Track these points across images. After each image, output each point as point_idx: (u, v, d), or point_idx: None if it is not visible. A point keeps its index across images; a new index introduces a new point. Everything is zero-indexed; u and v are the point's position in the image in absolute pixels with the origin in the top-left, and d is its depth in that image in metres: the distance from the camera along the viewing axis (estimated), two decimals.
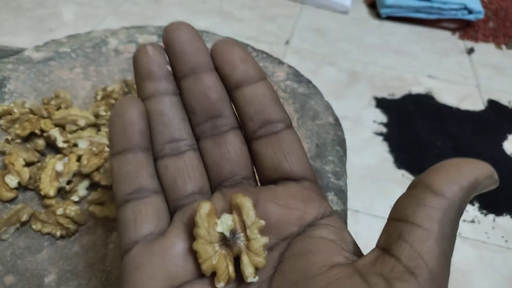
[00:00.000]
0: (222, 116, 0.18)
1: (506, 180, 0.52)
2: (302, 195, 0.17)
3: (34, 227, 0.26)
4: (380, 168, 0.52)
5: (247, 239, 0.15)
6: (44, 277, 0.24)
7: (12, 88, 0.32)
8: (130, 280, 0.15)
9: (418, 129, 0.56)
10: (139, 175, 0.16)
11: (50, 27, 0.66)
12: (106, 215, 0.26)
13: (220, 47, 0.18)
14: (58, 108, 0.31)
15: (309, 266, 0.14)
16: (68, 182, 0.28)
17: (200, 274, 0.15)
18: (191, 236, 0.16)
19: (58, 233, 0.25)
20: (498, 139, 0.57)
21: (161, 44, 0.18)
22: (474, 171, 0.13)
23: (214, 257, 0.15)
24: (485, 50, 0.77)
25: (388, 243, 0.13)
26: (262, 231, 0.15)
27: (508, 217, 0.48)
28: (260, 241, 0.15)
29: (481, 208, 0.48)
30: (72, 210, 0.26)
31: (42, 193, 0.26)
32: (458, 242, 0.51)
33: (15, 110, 0.30)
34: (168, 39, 0.17)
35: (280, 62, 0.36)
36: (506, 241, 0.45)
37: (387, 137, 0.54)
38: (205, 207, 0.15)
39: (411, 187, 0.14)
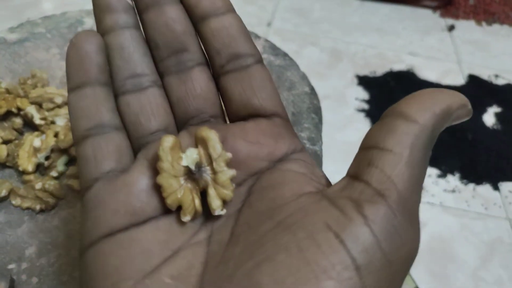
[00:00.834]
0: (187, 51, 0.17)
1: (485, 150, 0.53)
2: (272, 131, 0.16)
3: (13, 202, 0.26)
4: None
5: (214, 172, 0.15)
6: (25, 250, 0.24)
7: None
8: (92, 217, 0.14)
9: None
10: (98, 110, 0.16)
11: (28, 16, 0.66)
12: None
13: None
14: (35, 87, 0.31)
15: (278, 196, 0.14)
16: (47, 158, 0.28)
17: (166, 210, 0.15)
18: (156, 172, 0.15)
19: (38, 207, 0.25)
20: (478, 112, 0.58)
21: None
22: (447, 99, 0.13)
23: (179, 191, 0.15)
24: (466, 27, 0.78)
25: (357, 170, 0.13)
26: (229, 164, 0.15)
27: (487, 185, 0.49)
28: (227, 173, 0.15)
29: (461, 178, 0.49)
30: (51, 184, 0.26)
31: (21, 168, 0.26)
32: (439, 211, 0.52)
33: None
34: None
35: (257, 37, 0.37)
36: (485, 208, 0.46)
37: (369, 113, 0.54)
38: (168, 140, 0.15)
39: (383, 116, 0.14)
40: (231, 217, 0.15)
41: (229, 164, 0.15)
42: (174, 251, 0.14)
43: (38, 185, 0.26)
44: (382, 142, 0.13)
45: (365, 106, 0.55)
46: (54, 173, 0.27)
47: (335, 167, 0.47)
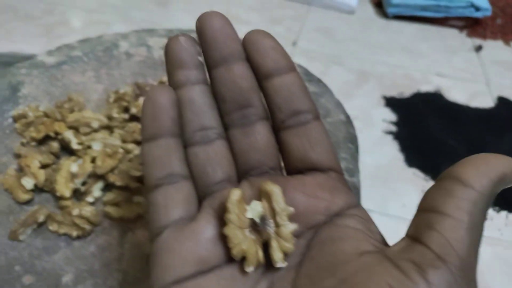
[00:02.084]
0: (252, 106, 0.18)
1: None
2: (329, 186, 0.17)
3: (50, 228, 0.26)
4: (391, 167, 0.51)
5: (276, 225, 0.15)
6: (61, 277, 0.24)
7: (26, 92, 0.33)
8: (161, 263, 0.15)
9: (429, 127, 0.56)
10: (171, 161, 0.16)
11: (59, 34, 0.67)
12: (121, 215, 0.27)
13: (252, 37, 0.18)
14: (72, 111, 0.32)
15: (338, 252, 0.14)
16: (83, 184, 0.28)
17: (229, 259, 0.15)
18: (221, 221, 0.16)
19: (75, 234, 0.26)
20: (510, 135, 0.57)
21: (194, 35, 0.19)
22: (503, 165, 0.14)
23: (244, 242, 0.15)
24: (494, 47, 0.77)
25: (417, 232, 0.14)
26: (291, 218, 0.16)
27: None
28: (289, 227, 0.15)
29: (493, 205, 0.48)
30: (88, 210, 0.26)
31: (58, 194, 0.27)
32: None
33: (30, 114, 0.31)
34: (201, 26, 0.18)
35: None
36: None
37: (397, 136, 0.53)
38: (236, 194, 0.16)
39: (439, 179, 0.14)
40: (291, 270, 0.15)
41: (291, 218, 0.16)
42: None
43: (75, 211, 0.26)
44: (442, 206, 0.13)
45: (393, 128, 0.54)
46: (90, 199, 0.27)
47: (363, 192, 0.46)
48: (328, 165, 0.17)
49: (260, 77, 0.18)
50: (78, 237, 0.26)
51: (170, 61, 0.18)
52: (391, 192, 0.49)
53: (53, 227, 0.26)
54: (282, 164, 0.19)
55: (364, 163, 0.50)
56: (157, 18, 0.73)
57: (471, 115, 0.60)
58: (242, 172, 0.18)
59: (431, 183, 0.47)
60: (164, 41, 0.39)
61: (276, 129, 0.18)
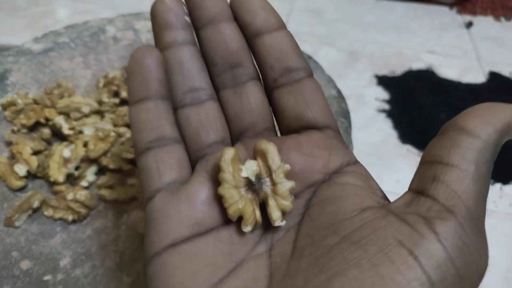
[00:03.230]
0: (242, 66, 0.17)
1: (511, 149, 0.52)
2: (326, 144, 0.16)
3: (46, 213, 0.26)
4: (385, 144, 0.52)
5: (273, 183, 0.15)
6: (59, 260, 0.24)
7: (14, 80, 0.32)
8: (156, 227, 0.15)
9: (421, 104, 0.56)
10: (160, 123, 0.16)
11: (46, 24, 0.66)
12: (116, 198, 0.27)
13: None
14: (61, 97, 0.31)
15: (339, 210, 0.14)
16: (77, 168, 0.28)
17: (226, 221, 0.15)
18: (215, 184, 0.15)
19: (70, 218, 0.25)
20: None
21: None
22: (507, 114, 0.13)
23: (240, 201, 0.15)
24: (484, 23, 0.77)
25: (422, 185, 0.13)
26: (288, 176, 0.15)
27: None
28: (286, 185, 0.15)
29: None
30: (82, 194, 0.26)
31: (52, 179, 0.27)
32: None
33: (19, 101, 0.30)
34: None
35: None
36: None
37: (390, 114, 0.54)
38: (229, 152, 0.15)
39: (443, 131, 0.14)
40: (291, 230, 0.15)
41: (288, 175, 0.15)
42: (238, 263, 0.14)
43: (70, 196, 0.26)
44: (447, 157, 0.13)
45: (386, 107, 0.54)
46: (84, 183, 0.27)
47: None
48: (324, 123, 0.17)
49: (250, 36, 0.17)
50: (74, 221, 0.26)
51: (156, 22, 0.17)
52: (385, 169, 0.49)
53: (48, 212, 0.26)
54: (276, 126, 0.19)
55: (358, 142, 0.51)
56: (143, 5, 0.72)
57: (463, 91, 0.60)
58: (235, 135, 0.18)
59: None
60: (151, 24, 0.38)
61: (269, 89, 0.18)
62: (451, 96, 0.58)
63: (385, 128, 0.53)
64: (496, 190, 0.48)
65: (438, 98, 0.57)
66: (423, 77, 0.61)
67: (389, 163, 0.49)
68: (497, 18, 0.78)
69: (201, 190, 0.15)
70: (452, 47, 0.69)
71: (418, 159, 0.49)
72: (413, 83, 0.59)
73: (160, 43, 0.17)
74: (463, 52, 0.67)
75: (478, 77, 0.63)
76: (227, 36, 0.17)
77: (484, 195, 0.13)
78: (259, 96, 0.18)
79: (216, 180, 0.15)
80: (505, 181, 0.48)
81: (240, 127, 0.17)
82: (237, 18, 0.18)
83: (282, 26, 0.17)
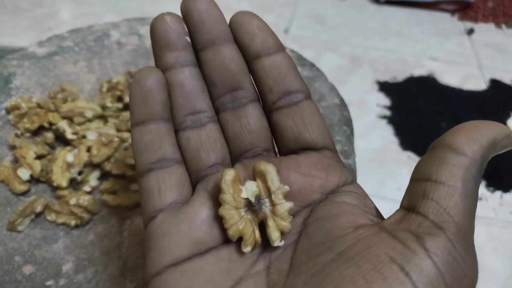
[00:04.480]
0: (242, 88, 0.18)
1: (511, 156, 0.52)
2: (323, 164, 0.17)
3: (48, 218, 0.26)
4: (386, 151, 0.52)
5: (272, 204, 0.15)
6: (61, 266, 0.24)
7: (18, 83, 0.33)
8: (157, 247, 0.15)
9: (422, 111, 0.56)
10: (162, 145, 0.16)
11: (49, 26, 0.66)
12: (119, 203, 0.27)
13: (239, 18, 0.18)
14: (65, 101, 0.32)
15: (334, 228, 0.14)
16: (80, 173, 0.28)
17: (226, 240, 0.16)
18: (216, 204, 0.16)
19: (73, 223, 0.26)
20: (501, 117, 0.57)
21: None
22: (492, 131, 0.14)
23: (240, 222, 0.15)
24: (485, 30, 0.77)
25: (412, 202, 0.14)
26: (287, 197, 0.15)
27: None
28: (285, 206, 0.15)
29: (488, 185, 0.48)
30: (85, 199, 0.26)
31: (55, 184, 0.27)
32: None
33: (23, 105, 0.30)
34: (186, 9, 0.17)
35: None
36: None
37: (391, 120, 0.54)
38: (230, 174, 0.15)
39: (431, 148, 0.14)
40: (288, 248, 0.15)
41: (286, 196, 0.15)
42: (236, 281, 0.14)
43: (73, 201, 0.26)
44: (435, 174, 0.13)
45: (387, 113, 0.54)
46: (87, 188, 0.27)
47: (359, 177, 0.46)
48: (323, 144, 0.17)
49: (249, 58, 0.18)
50: (77, 226, 0.26)
51: (157, 41, 0.17)
52: (386, 175, 0.50)
53: (51, 217, 0.26)
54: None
55: (359, 148, 0.51)
56: (147, 8, 0.72)
57: (464, 98, 0.60)
58: (235, 155, 0.18)
59: None
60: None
61: (268, 111, 0.18)
62: (452, 103, 0.58)
63: (386, 135, 0.53)
64: (496, 198, 0.48)
65: (439, 105, 0.57)
66: (425, 83, 0.61)
67: (390, 170, 0.49)
68: (498, 25, 0.78)
69: (201, 210, 0.16)
70: (453, 54, 0.69)
71: None
72: (414, 90, 0.59)
73: (160, 63, 0.17)
74: (465, 59, 0.68)
75: (479, 84, 0.63)
76: (227, 59, 0.17)
77: (472, 210, 0.13)
78: (259, 118, 0.18)
79: (216, 200, 0.16)
80: (505, 189, 0.48)
81: (239, 148, 0.18)
82: (236, 39, 0.18)
83: (280, 48, 0.18)
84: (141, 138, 0.16)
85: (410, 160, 0.52)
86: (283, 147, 0.18)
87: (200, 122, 0.17)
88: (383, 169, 0.49)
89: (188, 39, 0.17)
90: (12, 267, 0.24)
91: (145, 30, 0.38)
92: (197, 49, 0.18)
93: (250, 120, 0.18)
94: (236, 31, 0.18)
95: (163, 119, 0.17)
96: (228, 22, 0.18)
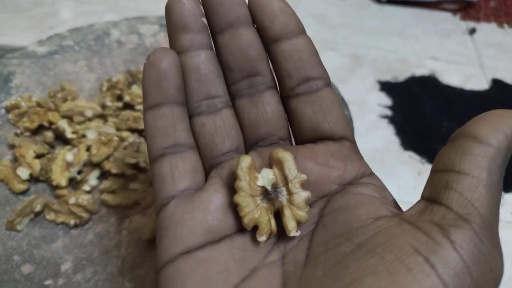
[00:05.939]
0: (260, 75, 0.17)
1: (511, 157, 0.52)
2: (341, 154, 0.16)
3: (48, 217, 0.26)
4: (387, 151, 0.51)
5: (289, 193, 0.15)
6: (60, 265, 0.24)
7: (18, 82, 0.32)
8: (170, 234, 0.15)
9: (424, 111, 0.56)
10: (176, 130, 0.16)
11: (49, 25, 0.66)
12: (118, 203, 0.27)
13: None
14: (65, 100, 0.31)
15: (353, 219, 0.14)
16: (79, 172, 0.28)
17: (240, 228, 0.15)
18: (230, 191, 0.15)
19: (72, 222, 0.25)
20: None
21: None
22: None
23: (256, 210, 0.15)
24: (487, 29, 0.77)
25: (434, 193, 0.13)
26: (303, 186, 0.15)
27: None
28: (302, 195, 0.15)
29: (504, 189, 0.48)
30: (85, 199, 0.26)
31: (54, 183, 0.27)
32: None
33: (23, 104, 0.30)
34: None
35: None
36: None
37: (392, 120, 0.54)
38: (246, 161, 0.15)
39: (453, 139, 0.14)
40: (304, 239, 0.15)
41: (303, 185, 0.15)
42: (251, 271, 0.14)
43: (72, 200, 0.26)
44: (458, 165, 0.13)
45: (388, 112, 0.54)
46: (86, 187, 0.27)
47: None
48: (341, 134, 0.17)
49: (268, 41, 0.17)
50: (76, 226, 0.26)
51: (172, 23, 0.16)
52: (387, 175, 0.49)
53: (50, 216, 0.26)
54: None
55: (360, 148, 0.50)
56: (148, 6, 0.72)
57: (466, 98, 0.60)
58: (250, 143, 0.17)
59: (427, 165, 0.47)
60: (155, 28, 0.38)
61: (285, 97, 0.17)
62: (453, 103, 0.58)
63: (387, 134, 0.53)
64: None
65: (440, 105, 0.57)
66: (426, 83, 0.61)
67: (390, 169, 0.49)
68: (500, 25, 0.78)
69: (215, 197, 0.15)
70: (455, 53, 0.69)
71: (420, 165, 0.49)
72: (416, 89, 0.59)
73: (175, 45, 0.17)
74: (466, 59, 0.67)
75: (481, 84, 0.63)
76: (245, 43, 0.17)
77: (497, 202, 0.13)
78: (276, 105, 0.17)
79: (230, 187, 0.15)
80: (506, 189, 0.48)
81: (255, 136, 0.17)
82: (255, 20, 0.17)
83: (302, 31, 0.17)
84: (154, 122, 0.16)
85: (411, 160, 0.52)
86: (300, 135, 0.17)
87: (215, 107, 0.17)
88: (384, 169, 0.49)
89: (205, 20, 0.17)
90: (10, 266, 0.24)
91: (145, 29, 0.38)
92: (213, 32, 0.17)
93: (267, 108, 0.17)
94: (255, 13, 0.17)
95: (178, 103, 0.16)
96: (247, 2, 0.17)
